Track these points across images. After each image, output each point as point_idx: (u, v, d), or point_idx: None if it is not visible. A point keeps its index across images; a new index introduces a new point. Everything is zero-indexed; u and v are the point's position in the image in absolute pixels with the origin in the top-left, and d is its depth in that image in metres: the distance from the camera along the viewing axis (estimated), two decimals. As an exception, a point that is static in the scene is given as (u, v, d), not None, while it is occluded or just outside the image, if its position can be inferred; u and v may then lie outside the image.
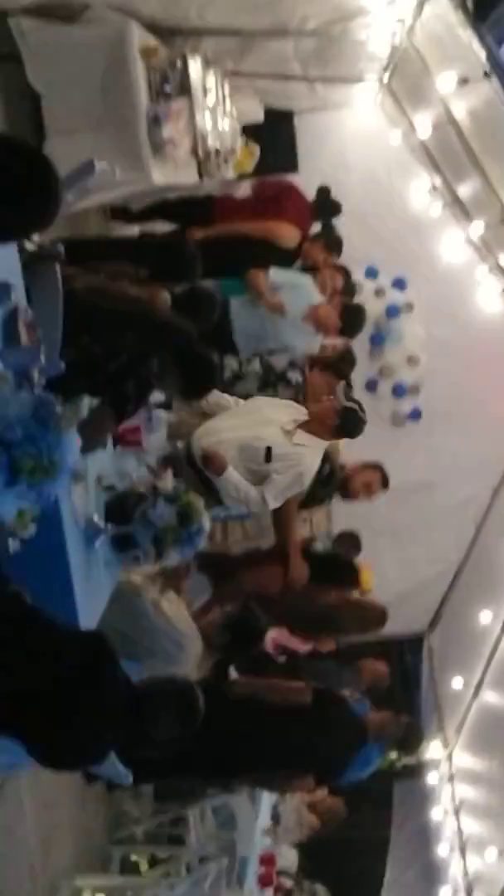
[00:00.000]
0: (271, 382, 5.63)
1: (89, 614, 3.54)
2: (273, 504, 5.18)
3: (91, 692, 3.00)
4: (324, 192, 7.20)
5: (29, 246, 3.47)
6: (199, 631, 4.78)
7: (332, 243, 6.87)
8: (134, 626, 4.41)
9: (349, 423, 5.30)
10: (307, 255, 6.75)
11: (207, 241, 6.27)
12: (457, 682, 8.53)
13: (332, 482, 5.69)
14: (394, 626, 7.30)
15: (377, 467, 6.17)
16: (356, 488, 6.06)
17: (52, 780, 5.02)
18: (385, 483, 6.15)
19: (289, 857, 8.21)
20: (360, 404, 5.47)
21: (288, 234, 6.67)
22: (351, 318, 6.58)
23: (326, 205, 7.10)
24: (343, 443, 5.86)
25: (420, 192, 8.02)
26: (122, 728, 3.13)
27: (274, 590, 5.57)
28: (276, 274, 6.37)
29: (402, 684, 9.44)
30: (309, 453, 5.24)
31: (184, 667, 4.55)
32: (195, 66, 6.02)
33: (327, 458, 5.48)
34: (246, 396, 5.62)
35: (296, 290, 6.39)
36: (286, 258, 6.67)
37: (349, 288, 7.00)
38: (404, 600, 8.19)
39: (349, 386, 6.47)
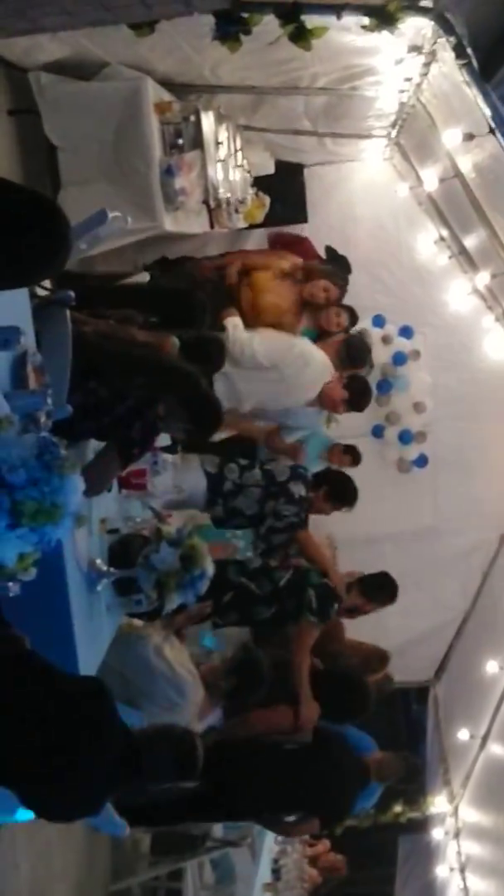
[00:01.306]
0: (272, 493, 5.59)
1: (90, 659, 3.55)
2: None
3: (88, 742, 2.99)
4: (330, 251, 7.27)
5: (40, 291, 3.54)
6: (204, 680, 4.77)
7: (335, 274, 6.87)
8: (135, 671, 4.41)
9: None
10: (307, 294, 6.72)
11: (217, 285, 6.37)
12: (463, 734, 8.43)
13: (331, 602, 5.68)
14: (399, 675, 7.29)
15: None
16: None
17: (50, 829, 4.95)
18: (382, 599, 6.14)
19: (290, 915, 8.08)
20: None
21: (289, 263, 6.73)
22: (359, 393, 6.48)
23: (336, 262, 7.13)
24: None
25: (427, 242, 8.12)
26: (119, 778, 3.12)
27: (285, 729, 5.54)
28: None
29: (408, 735, 9.37)
30: None
31: (185, 714, 4.53)
32: (208, 121, 6.17)
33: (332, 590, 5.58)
34: (243, 515, 5.65)
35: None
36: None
37: (354, 322, 7.03)
38: (409, 649, 8.16)
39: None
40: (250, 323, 6.25)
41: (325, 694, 5.43)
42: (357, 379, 6.49)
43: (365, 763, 5.77)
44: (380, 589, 6.11)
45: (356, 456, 6.98)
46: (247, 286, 6.42)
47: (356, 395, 6.40)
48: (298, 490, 5.59)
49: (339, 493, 5.89)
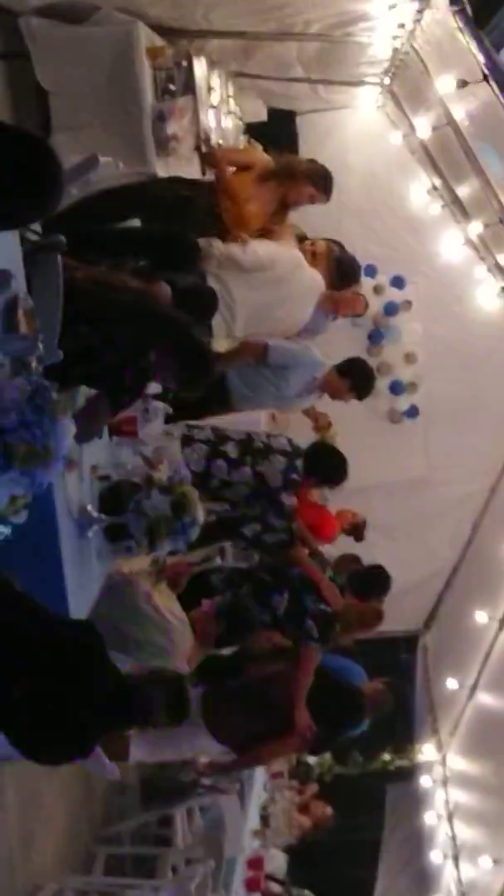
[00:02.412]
0: (263, 494, 5.48)
1: (80, 604, 3.56)
2: None
3: (79, 683, 3.01)
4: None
5: (31, 236, 3.51)
6: (191, 622, 4.81)
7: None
8: (124, 617, 4.44)
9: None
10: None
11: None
12: (451, 683, 8.53)
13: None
14: (388, 624, 7.33)
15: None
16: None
17: (37, 774, 4.97)
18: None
19: (277, 861, 8.18)
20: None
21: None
22: (363, 381, 6.21)
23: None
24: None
25: (419, 191, 8.08)
26: (109, 720, 3.15)
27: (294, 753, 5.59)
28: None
29: (397, 682, 9.47)
30: None
31: (173, 659, 4.57)
32: (200, 66, 6.10)
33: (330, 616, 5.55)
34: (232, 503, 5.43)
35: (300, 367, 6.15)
36: None
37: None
38: (399, 598, 8.15)
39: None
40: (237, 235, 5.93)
41: (320, 704, 5.46)
42: (355, 364, 6.23)
43: (361, 691, 5.90)
44: (373, 585, 6.12)
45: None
46: (227, 198, 5.93)
47: (359, 382, 6.14)
48: (289, 501, 5.38)
49: (329, 475, 5.76)
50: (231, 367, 5.80)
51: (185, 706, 3.26)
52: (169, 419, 4.82)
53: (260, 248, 5.88)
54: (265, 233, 6.07)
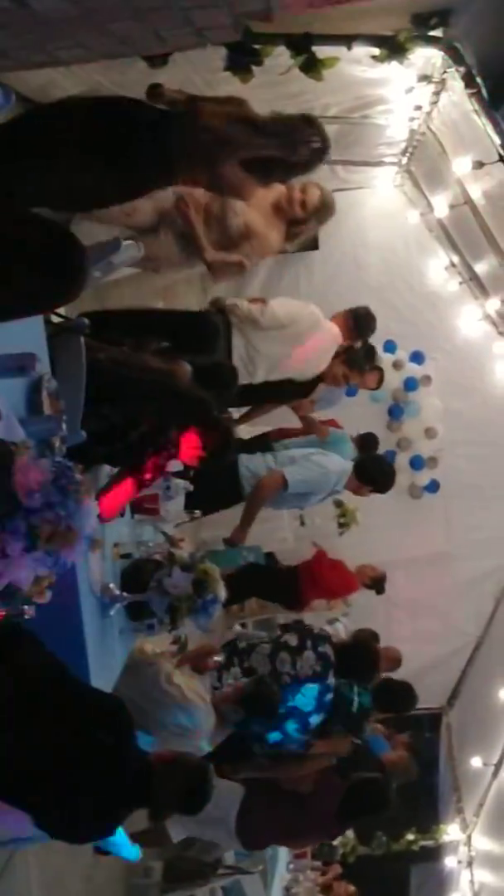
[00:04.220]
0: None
1: (102, 683, 3.55)
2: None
3: (107, 762, 2.99)
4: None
5: (55, 318, 3.58)
6: (217, 707, 4.76)
7: (353, 361, 6.68)
8: (146, 697, 4.41)
9: None
10: (328, 373, 6.57)
11: None
12: (476, 761, 8.38)
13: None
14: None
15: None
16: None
17: (61, 856, 4.92)
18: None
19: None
20: None
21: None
22: (382, 482, 6.39)
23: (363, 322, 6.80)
24: None
25: (438, 268, 8.17)
26: (133, 801, 3.12)
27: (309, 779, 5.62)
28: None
29: (421, 762, 9.32)
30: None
31: (196, 741, 4.53)
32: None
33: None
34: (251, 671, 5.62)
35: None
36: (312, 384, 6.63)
37: (372, 347, 6.95)
38: (422, 676, 8.10)
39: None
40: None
41: (349, 795, 5.44)
42: (373, 465, 6.40)
43: (380, 761, 5.83)
44: (399, 701, 6.13)
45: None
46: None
47: (377, 480, 6.31)
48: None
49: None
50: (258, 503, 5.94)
51: (206, 797, 3.22)
52: (188, 503, 4.87)
53: (279, 309, 6.10)
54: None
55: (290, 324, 6.12)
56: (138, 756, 3.13)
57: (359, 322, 6.53)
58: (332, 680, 5.51)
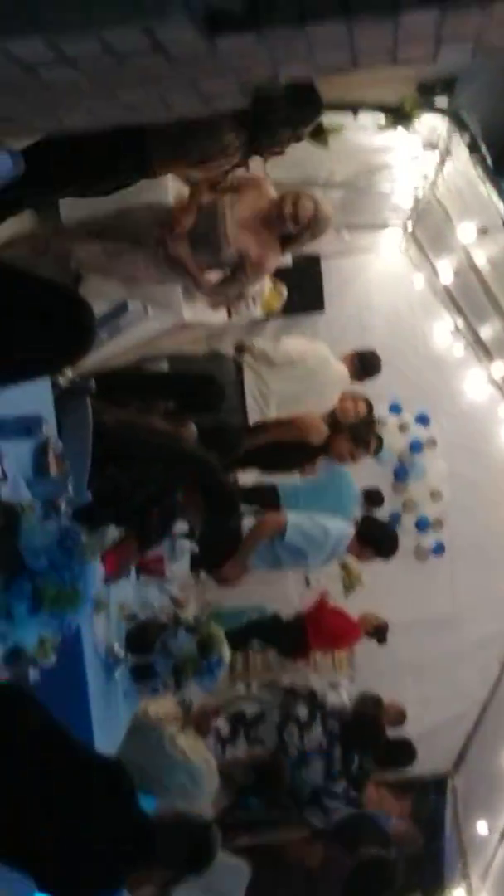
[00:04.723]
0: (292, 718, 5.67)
1: (106, 745, 3.53)
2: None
3: (108, 824, 2.96)
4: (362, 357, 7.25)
5: (62, 381, 3.63)
6: (223, 770, 4.72)
7: (359, 438, 6.84)
8: (150, 759, 4.37)
9: None
10: (334, 449, 6.79)
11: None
12: (482, 827, 8.24)
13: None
14: (416, 765, 7.17)
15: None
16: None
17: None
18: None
19: None
20: None
21: (316, 430, 6.70)
22: (385, 548, 6.44)
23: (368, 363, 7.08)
24: None
25: (443, 332, 8.23)
26: (135, 862, 3.08)
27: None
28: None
29: (426, 828, 9.16)
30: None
31: (199, 803, 4.48)
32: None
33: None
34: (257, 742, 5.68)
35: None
36: (315, 453, 6.79)
37: (372, 418, 7.11)
38: (427, 739, 8.01)
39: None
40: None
41: (356, 874, 5.38)
42: (375, 532, 6.42)
43: (386, 833, 5.74)
44: (397, 758, 6.09)
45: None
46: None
47: (379, 544, 6.34)
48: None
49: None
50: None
51: (210, 858, 3.18)
52: (193, 564, 4.87)
53: (290, 346, 6.42)
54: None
55: (301, 361, 6.37)
56: (140, 817, 3.10)
57: (364, 363, 6.83)
58: (337, 754, 5.48)
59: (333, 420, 6.75)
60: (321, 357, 6.48)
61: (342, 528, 6.09)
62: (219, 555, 5.53)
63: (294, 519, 5.90)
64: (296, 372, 6.30)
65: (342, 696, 6.04)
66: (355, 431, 6.73)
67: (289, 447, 6.46)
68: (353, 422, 6.77)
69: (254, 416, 6.11)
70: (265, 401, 6.17)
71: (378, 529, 6.43)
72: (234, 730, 5.30)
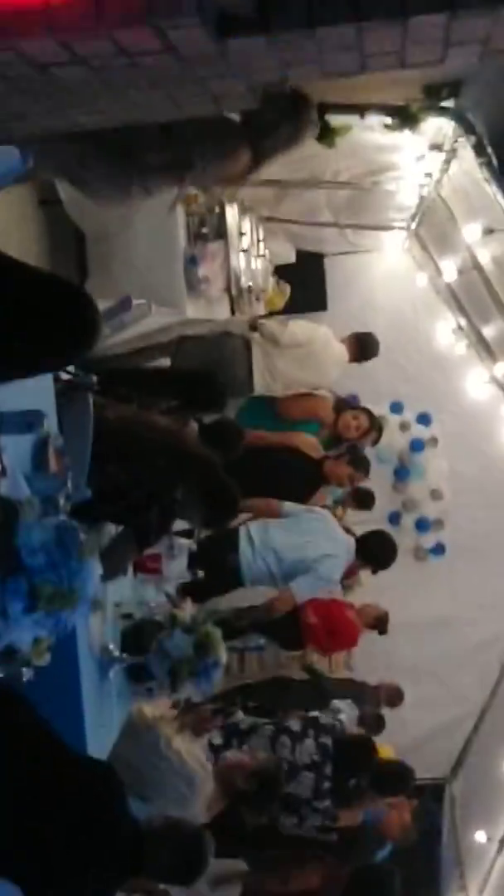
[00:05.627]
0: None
1: (99, 746, 3.49)
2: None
3: (97, 830, 2.92)
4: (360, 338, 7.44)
5: (63, 376, 3.59)
6: (222, 774, 4.66)
7: (358, 462, 6.95)
8: (144, 762, 4.31)
9: None
10: (331, 474, 6.85)
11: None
12: (480, 836, 8.18)
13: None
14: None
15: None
16: None
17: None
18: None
19: None
20: None
21: (309, 444, 6.95)
22: (384, 561, 6.65)
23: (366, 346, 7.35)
24: None
25: (445, 331, 8.20)
26: (124, 869, 3.04)
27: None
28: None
29: (423, 836, 9.12)
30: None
31: (193, 807, 4.42)
32: (232, 212, 6.30)
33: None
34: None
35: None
36: (311, 467, 6.85)
37: (375, 425, 7.25)
38: (424, 744, 7.99)
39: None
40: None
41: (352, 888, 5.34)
42: (374, 547, 6.56)
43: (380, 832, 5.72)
44: (395, 783, 6.05)
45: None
46: None
47: (380, 563, 6.64)
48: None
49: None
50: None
51: (203, 866, 3.13)
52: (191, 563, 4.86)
53: (297, 329, 7.03)
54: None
55: (307, 343, 7.00)
56: (130, 824, 3.06)
57: (362, 345, 7.26)
58: (329, 771, 5.44)
59: (335, 436, 7.10)
60: (325, 340, 7.08)
61: (341, 567, 6.32)
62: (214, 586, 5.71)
63: (301, 583, 6.12)
64: (301, 353, 6.93)
65: (344, 722, 5.99)
66: (354, 455, 6.88)
67: (288, 470, 6.62)
68: (355, 438, 7.04)
69: (259, 391, 6.82)
70: (272, 376, 6.84)
71: (375, 550, 6.53)
72: (228, 740, 5.26)
